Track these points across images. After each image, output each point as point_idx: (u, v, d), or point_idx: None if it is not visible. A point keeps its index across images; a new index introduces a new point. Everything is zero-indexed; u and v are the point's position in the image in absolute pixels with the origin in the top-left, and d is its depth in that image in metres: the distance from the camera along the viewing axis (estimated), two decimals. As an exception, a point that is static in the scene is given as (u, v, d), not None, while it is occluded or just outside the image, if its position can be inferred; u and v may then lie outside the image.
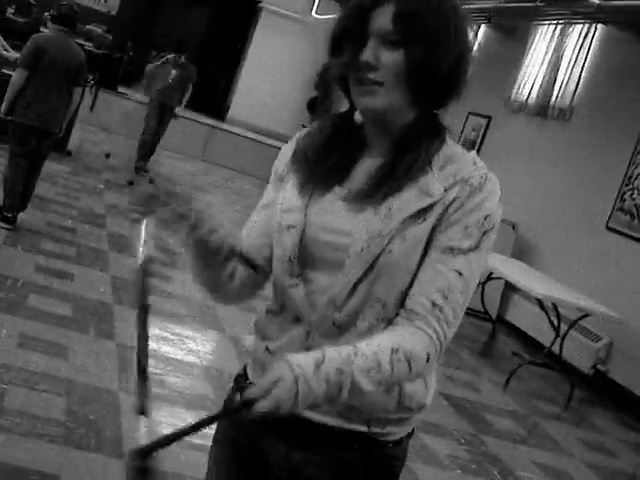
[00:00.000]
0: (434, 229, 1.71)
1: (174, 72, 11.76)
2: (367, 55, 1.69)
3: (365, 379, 1.61)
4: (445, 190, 1.70)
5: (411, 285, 1.72)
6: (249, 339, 1.98)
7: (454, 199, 1.70)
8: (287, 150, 1.94)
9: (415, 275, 1.72)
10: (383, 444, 1.84)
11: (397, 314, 1.73)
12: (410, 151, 1.74)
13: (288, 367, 1.55)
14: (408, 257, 1.70)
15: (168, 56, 11.88)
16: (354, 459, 1.83)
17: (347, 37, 1.74)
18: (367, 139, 1.82)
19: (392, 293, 1.72)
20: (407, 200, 1.70)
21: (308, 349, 1.74)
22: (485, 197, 1.71)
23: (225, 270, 1.85)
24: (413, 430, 1.94)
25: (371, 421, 1.79)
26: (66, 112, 7.31)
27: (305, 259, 1.79)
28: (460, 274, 1.70)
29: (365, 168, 1.80)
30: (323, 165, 1.82)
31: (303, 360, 1.58)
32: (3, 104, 7.03)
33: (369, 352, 1.63)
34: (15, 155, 7.11)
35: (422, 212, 1.70)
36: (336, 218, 1.77)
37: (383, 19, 1.68)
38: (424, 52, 1.67)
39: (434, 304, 1.69)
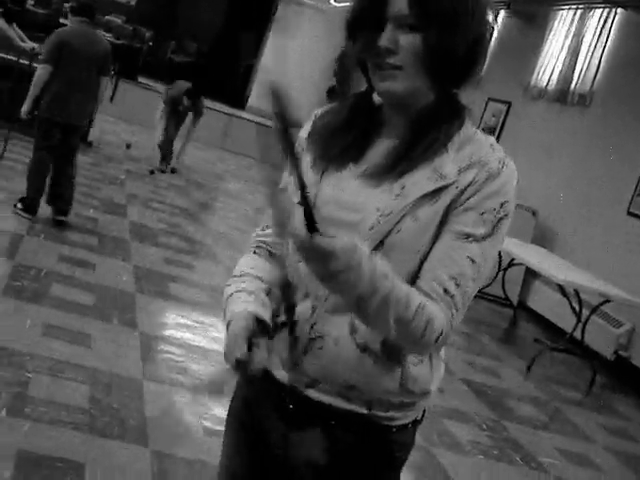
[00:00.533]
0: (447, 211, 1.70)
1: (185, 103, 11.62)
2: (385, 40, 1.68)
3: (393, 307, 1.59)
4: (459, 171, 1.70)
5: (421, 265, 1.72)
6: None
7: (471, 182, 1.69)
8: (304, 132, 1.95)
9: (426, 256, 1.71)
10: (386, 429, 1.83)
11: None
12: (429, 132, 1.74)
13: (351, 239, 1.51)
14: (418, 237, 1.69)
15: (182, 86, 11.67)
16: (353, 442, 1.83)
17: (363, 22, 1.73)
18: (385, 120, 1.82)
19: (399, 272, 1.68)
20: (420, 180, 1.70)
21: (313, 325, 1.77)
22: (503, 183, 1.70)
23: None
24: (422, 417, 1.93)
25: (372, 403, 1.79)
26: (94, 104, 7.35)
27: None
28: (473, 261, 1.70)
29: (382, 148, 1.79)
30: (339, 142, 1.82)
31: (362, 245, 1.54)
32: (25, 103, 7.05)
33: (405, 288, 1.62)
34: (38, 148, 7.16)
35: (435, 193, 1.69)
36: (348, 195, 1.76)
37: (399, 3, 1.67)
38: (442, 35, 1.66)
39: (446, 291, 1.69)
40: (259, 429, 1.95)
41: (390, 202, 1.70)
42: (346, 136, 1.82)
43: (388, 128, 1.82)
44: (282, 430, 1.88)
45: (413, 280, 1.72)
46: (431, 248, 1.71)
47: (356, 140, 1.82)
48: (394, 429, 1.84)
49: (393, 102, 1.78)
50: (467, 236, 1.70)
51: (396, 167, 1.73)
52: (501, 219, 1.71)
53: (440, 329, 1.67)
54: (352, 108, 1.86)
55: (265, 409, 1.92)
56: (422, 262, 1.72)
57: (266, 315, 1.76)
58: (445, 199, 1.69)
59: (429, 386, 1.84)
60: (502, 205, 1.71)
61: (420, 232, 1.69)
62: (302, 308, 1.79)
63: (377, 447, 1.85)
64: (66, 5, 16.22)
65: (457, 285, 1.69)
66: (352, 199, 1.76)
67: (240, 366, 1.65)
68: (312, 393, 1.81)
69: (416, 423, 1.91)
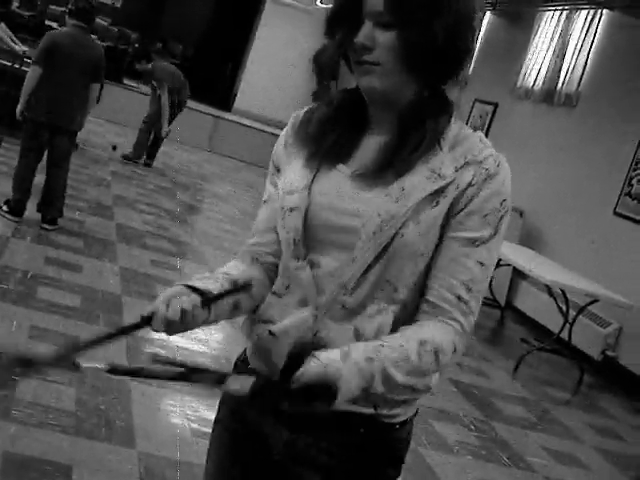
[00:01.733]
0: (449, 213, 1.70)
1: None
2: (362, 36, 1.68)
3: (394, 369, 1.61)
4: (456, 170, 1.70)
5: (427, 270, 1.72)
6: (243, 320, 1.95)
7: (470, 183, 1.69)
8: (282, 138, 1.93)
9: (431, 259, 1.72)
10: (388, 426, 1.82)
11: (411, 299, 1.73)
12: (416, 128, 1.73)
13: (315, 360, 1.55)
14: (421, 241, 1.69)
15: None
16: (357, 442, 1.81)
17: (342, 19, 1.73)
18: (372, 116, 1.81)
19: (403, 276, 1.71)
20: (419, 182, 1.69)
21: (316, 333, 1.74)
22: (501, 181, 1.72)
23: (224, 311, 1.79)
24: (417, 411, 1.92)
25: (378, 402, 1.77)
26: (84, 109, 7.26)
27: (310, 241, 1.77)
28: (482, 264, 1.72)
29: (371, 145, 1.78)
30: (328, 138, 1.80)
31: (328, 353, 1.58)
32: (19, 103, 7.04)
33: (395, 344, 1.64)
34: (25, 150, 7.14)
35: (435, 194, 1.68)
36: (343, 198, 1.74)
37: (375, 0, 1.67)
38: (417, 30, 1.65)
39: (459, 298, 1.71)
40: (254, 436, 1.91)
41: (391, 206, 1.68)
42: (334, 132, 1.80)
43: (375, 124, 1.80)
44: (286, 438, 1.85)
45: (420, 282, 1.73)
46: (435, 250, 1.72)
47: (343, 138, 1.80)
48: (397, 426, 1.84)
49: (375, 98, 1.76)
50: (474, 241, 1.71)
51: (389, 167, 1.71)
52: (502, 217, 1.73)
53: (452, 345, 1.70)
54: (339, 104, 1.84)
55: (261, 415, 1.88)
56: (427, 265, 1.73)
57: (204, 286, 1.72)
58: (446, 201, 1.69)
59: (432, 381, 1.82)
60: (502, 203, 1.72)
61: (423, 235, 1.69)
62: (302, 315, 1.77)
63: (380, 445, 1.84)
64: (52, 7, 16.21)
65: (469, 290, 1.71)
66: (348, 203, 1.74)
67: (149, 320, 1.63)
68: None
69: (413, 418, 1.90)
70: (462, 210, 1.70)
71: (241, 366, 1.97)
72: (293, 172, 1.82)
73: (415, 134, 1.72)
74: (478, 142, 1.74)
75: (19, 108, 7.00)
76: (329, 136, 1.80)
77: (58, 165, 7.26)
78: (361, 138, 1.81)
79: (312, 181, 1.78)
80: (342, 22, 1.73)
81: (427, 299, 1.72)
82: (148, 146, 12.02)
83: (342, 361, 1.56)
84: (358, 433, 1.80)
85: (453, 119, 1.77)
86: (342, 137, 1.80)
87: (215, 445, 2.02)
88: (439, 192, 1.69)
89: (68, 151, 7.37)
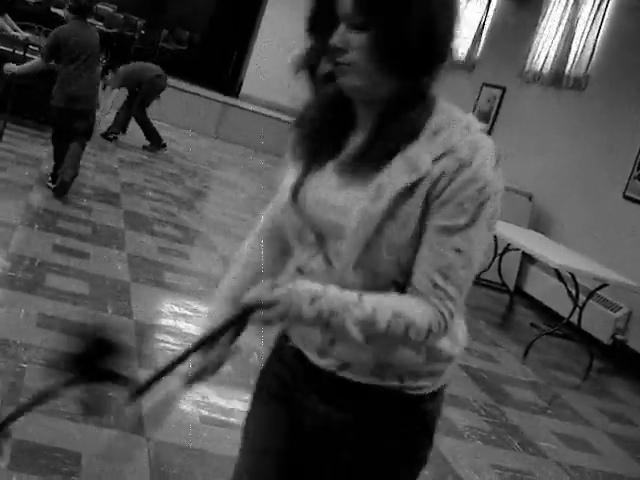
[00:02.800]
0: (426, 203, 1.71)
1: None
2: (335, 39, 1.72)
3: (355, 328, 1.69)
4: (433, 161, 1.70)
5: (413, 256, 1.76)
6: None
7: (443, 172, 1.69)
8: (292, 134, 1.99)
9: (415, 249, 1.75)
10: (418, 398, 1.89)
11: (402, 281, 1.78)
12: (393, 124, 1.75)
13: (288, 294, 1.68)
14: (400, 234, 1.72)
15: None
16: (390, 415, 1.88)
17: (320, 20, 1.78)
18: (357, 113, 1.84)
19: (391, 266, 1.76)
20: (395, 175, 1.71)
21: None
22: (476, 169, 1.69)
23: None
24: (445, 384, 1.98)
25: (403, 375, 1.84)
26: (97, 92, 8.27)
27: (314, 233, 1.86)
28: (459, 251, 1.72)
29: (356, 142, 1.82)
30: (316, 138, 1.86)
31: (303, 291, 1.69)
32: (19, 66, 8.19)
33: (369, 308, 1.69)
34: (55, 135, 8.09)
35: (411, 188, 1.70)
36: (329, 194, 1.81)
37: (345, 3, 1.71)
38: (387, 31, 1.67)
39: (435, 285, 1.73)
40: (295, 405, 1.99)
41: (368, 204, 1.72)
42: (324, 130, 1.86)
43: (360, 120, 1.84)
44: (321, 411, 1.93)
45: (406, 274, 1.77)
46: (418, 242, 1.75)
47: (332, 136, 1.85)
48: (426, 397, 1.90)
49: (355, 97, 1.81)
50: (448, 229, 1.71)
51: (366, 162, 1.76)
52: (482, 204, 1.70)
53: (427, 325, 1.73)
54: (328, 103, 1.87)
55: (302, 389, 1.97)
56: (414, 250, 1.76)
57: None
58: (421, 192, 1.71)
59: (452, 351, 1.92)
60: (480, 191, 1.70)
61: (401, 229, 1.72)
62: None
63: (412, 417, 1.91)
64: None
65: (446, 277, 1.73)
66: (334, 199, 1.80)
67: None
68: (347, 374, 1.86)
69: (443, 389, 1.97)
70: (437, 199, 1.70)
71: (282, 340, 2.05)
72: (291, 171, 1.92)
73: (392, 129, 1.75)
74: (462, 129, 1.73)
75: (15, 67, 8.13)
76: (319, 135, 1.86)
77: (74, 140, 7.98)
78: (349, 135, 1.85)
79: (306, 175, 1.86)
80: (321, 23, 1.79)
81: (411, 282, 1.76)
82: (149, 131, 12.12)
83: (309, 304, 1.68)
84: (387, 406, 1.88)
85: (438, 108, 1.77)
86: (331, 135, 1.85)
87: (255, 409, 2.12)
88: (415, 184, 1.70)
89: (86, 130, 8.15)
